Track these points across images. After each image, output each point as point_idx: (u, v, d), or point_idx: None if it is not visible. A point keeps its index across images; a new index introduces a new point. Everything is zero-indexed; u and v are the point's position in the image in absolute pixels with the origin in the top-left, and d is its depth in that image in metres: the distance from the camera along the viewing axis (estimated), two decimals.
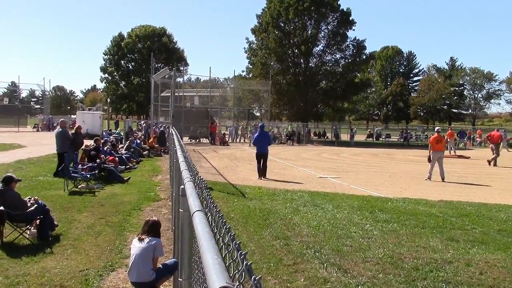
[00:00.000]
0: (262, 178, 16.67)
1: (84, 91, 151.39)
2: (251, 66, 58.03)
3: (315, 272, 6.46)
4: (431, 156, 17.62)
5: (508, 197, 13.60)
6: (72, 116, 56.40)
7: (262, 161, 16.96)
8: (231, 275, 1.31)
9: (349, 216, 10.13)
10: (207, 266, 1.38)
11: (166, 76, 39.40)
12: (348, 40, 55.65)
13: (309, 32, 54.67)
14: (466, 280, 6.30)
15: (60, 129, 15.98)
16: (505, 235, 8.76)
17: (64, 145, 15.45)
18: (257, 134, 17.94)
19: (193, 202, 2.37)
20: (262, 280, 1.13)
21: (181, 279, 3.13)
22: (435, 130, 18.88)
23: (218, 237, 1.76)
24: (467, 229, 9.19)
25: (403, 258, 7.20)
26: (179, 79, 49.99)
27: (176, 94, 39.49)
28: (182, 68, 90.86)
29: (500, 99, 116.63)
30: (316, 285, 5.97)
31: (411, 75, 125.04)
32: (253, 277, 1.16)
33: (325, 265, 6.74)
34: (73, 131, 16.55)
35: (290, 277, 6.25)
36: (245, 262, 1.27)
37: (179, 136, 11.63)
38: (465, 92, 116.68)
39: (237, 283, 1.22)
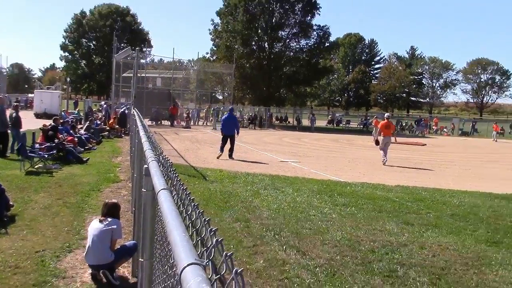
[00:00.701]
0: (229, 158, 17.32)
1: (43, 69, 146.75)
2: (216, 49, 57.51)
3: (274, 254, 6.55)
4: (380, 141, 18.24)
5: (461, 183, 14.08)
6: (30, 95, 54.64)
7: (228, 142, 17.65)
8: (199, 252, 1.31)
9: (309, 200, 10.27)
10: (174, 244, 1.37)
11: (129, 57, 38.68)
12: (314, 26, 55.72)
13: (276, 18, 54.38)
14: (420, 262, 6.52)
15: None
16: (457, 220, 9.09)
17: (2, 123, 14.93)
18: (225, 116, 18.81)
19: (158, 181, 2.35)
20: (233, 256, 1.12)
21: (142, 259, 3.12)
22: (385, 116, 19.55)
23: (185, 215, 1.75)
24: (421, 214, 9.48)
25: (360, 240, 7.38)
26: (142, 60, 49.06)
27: (138, 75, 38.83)
28: (145, 49, 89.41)
29: (456, 89, 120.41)
30: (275, 267, 6.05)
31: (373, 62, 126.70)
32: (224, 253, 1.13)
33: (284, 247, 6.84)
34: (13, 110, 16.15)
35: (250, 259, 6.32)
36: (215, 239, 1.26)
37: (141, 117, 11.47)
38: (424, 81, 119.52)
39: (206, 260, 1.21)
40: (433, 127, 51.17)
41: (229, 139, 17.66)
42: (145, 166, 3.32)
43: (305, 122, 49.43)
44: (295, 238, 7.31)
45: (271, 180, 12.77)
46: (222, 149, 17.60)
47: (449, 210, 9.98)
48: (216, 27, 56.57)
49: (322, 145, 27.77)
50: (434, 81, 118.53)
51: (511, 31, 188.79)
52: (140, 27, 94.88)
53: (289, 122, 53.10)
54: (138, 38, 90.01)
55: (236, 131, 17.90)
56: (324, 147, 25.98)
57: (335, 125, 54.29)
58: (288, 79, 55.24)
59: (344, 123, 56.23)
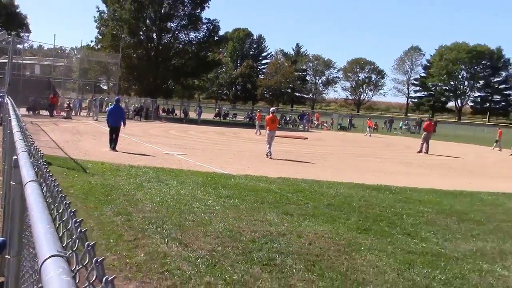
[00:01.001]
0: (112, 150, 16.99)
1: None
2: (101, 37, 55.27)
3: (156, 247, 6.49)
4: (266, 135, 19.01)
5: (339, 175, 14.93)
6: None
7: (114, 133, 17.35)
8: (64, 244, 1.28)
9: (193, 192, 10.29)
10: (38, 237, 1.32)
11: (4, 42, 35.97)
12: (203, 19, 55.62)
13: (165, 8, 53.46)
14: (297, 250, 6.83)
15: None
16: (333, 209, 9.64)
17: None
18: (112, 107, 18.54)
19: (27, 173, 2.24)
20: (95, 246, 1.12)
21: (8, 257, 2.96)
22: (270, 110, 20.31)
23: (53, 207, 1.69)
24: (300, 204, 9.91)
25: (242, 231, 7.55)
26: (19, 46, 45.69)
27: (14, 61, 36.22)
28: (23, 34, 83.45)
29: (337, 86, 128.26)
30: (156, 260, 6.00)
31: (260, 58, 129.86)
32: (86, 243, 1.11)
33: (166, 240, 6.80)
34: None
35: (130, 253, 6.19)
36: (79, 229, 1.24)
37: (15, 106, 10.74)
38: (308, 77, 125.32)
39: (69, 252, 1.19)
40: (315, 122, 53.72)
41: (114, 131, 17.32)
42: (15, 157, 3.15)
43: (192, 114, 49.34)
44: (177, 231, 7.29)
45: (156, 172, 12.60)
46: (111, 142, 17.23)
47: (326, 200, 10.54)
48: (102, 14, 54.29)
49: (209, 137, 27.93)
50: (317, 78, 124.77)
51: (386, 34, 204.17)
52: (18, 10, 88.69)
53: (176, 114, 52.69)
54: (15, 22, 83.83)
55: (122, 123, 17.54)
56: (210, 140, 26.15)
57: (222, 118, 54.85)
58: (176, 71, 54.71)
59: (231, 116, 57.01)
